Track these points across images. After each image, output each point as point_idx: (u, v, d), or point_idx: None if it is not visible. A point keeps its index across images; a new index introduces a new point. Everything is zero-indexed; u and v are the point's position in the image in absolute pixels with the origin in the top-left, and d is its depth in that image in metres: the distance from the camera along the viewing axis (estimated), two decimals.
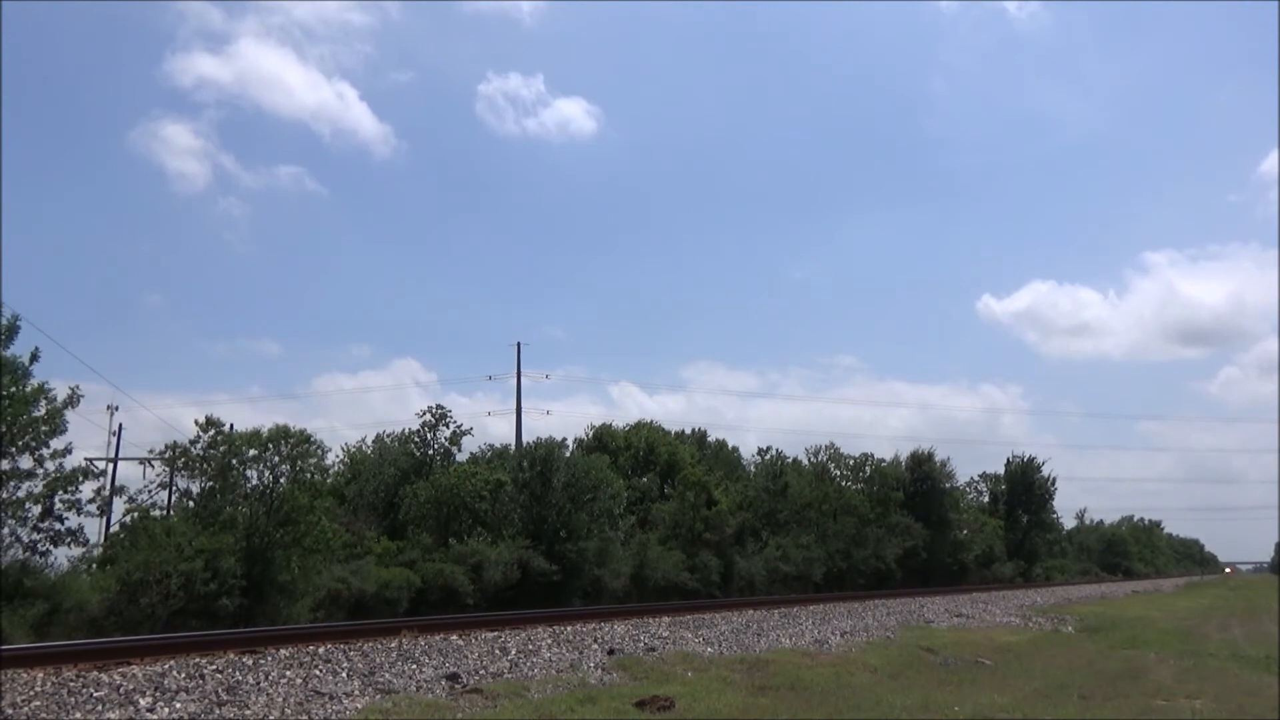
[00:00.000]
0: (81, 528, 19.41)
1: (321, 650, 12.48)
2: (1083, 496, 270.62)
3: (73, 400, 19.34)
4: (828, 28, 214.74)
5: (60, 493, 18.52)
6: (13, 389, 18.36)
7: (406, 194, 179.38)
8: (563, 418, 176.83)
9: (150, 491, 23.51)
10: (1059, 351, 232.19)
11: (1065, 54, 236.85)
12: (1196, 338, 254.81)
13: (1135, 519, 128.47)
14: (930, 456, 56.84)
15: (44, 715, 8.18)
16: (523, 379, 49.69)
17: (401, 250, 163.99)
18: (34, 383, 18.75)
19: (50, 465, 18.52)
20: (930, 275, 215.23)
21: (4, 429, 17.90)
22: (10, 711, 8.19)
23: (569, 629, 16.68)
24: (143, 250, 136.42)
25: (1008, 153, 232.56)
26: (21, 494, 18.16)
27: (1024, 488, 73.86)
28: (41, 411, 18.53)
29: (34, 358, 18.92)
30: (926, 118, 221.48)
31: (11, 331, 18.73)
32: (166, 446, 23.65)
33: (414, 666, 11.65)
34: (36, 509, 18.30)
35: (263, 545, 21.02)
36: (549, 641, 14.65)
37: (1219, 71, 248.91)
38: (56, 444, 18.81)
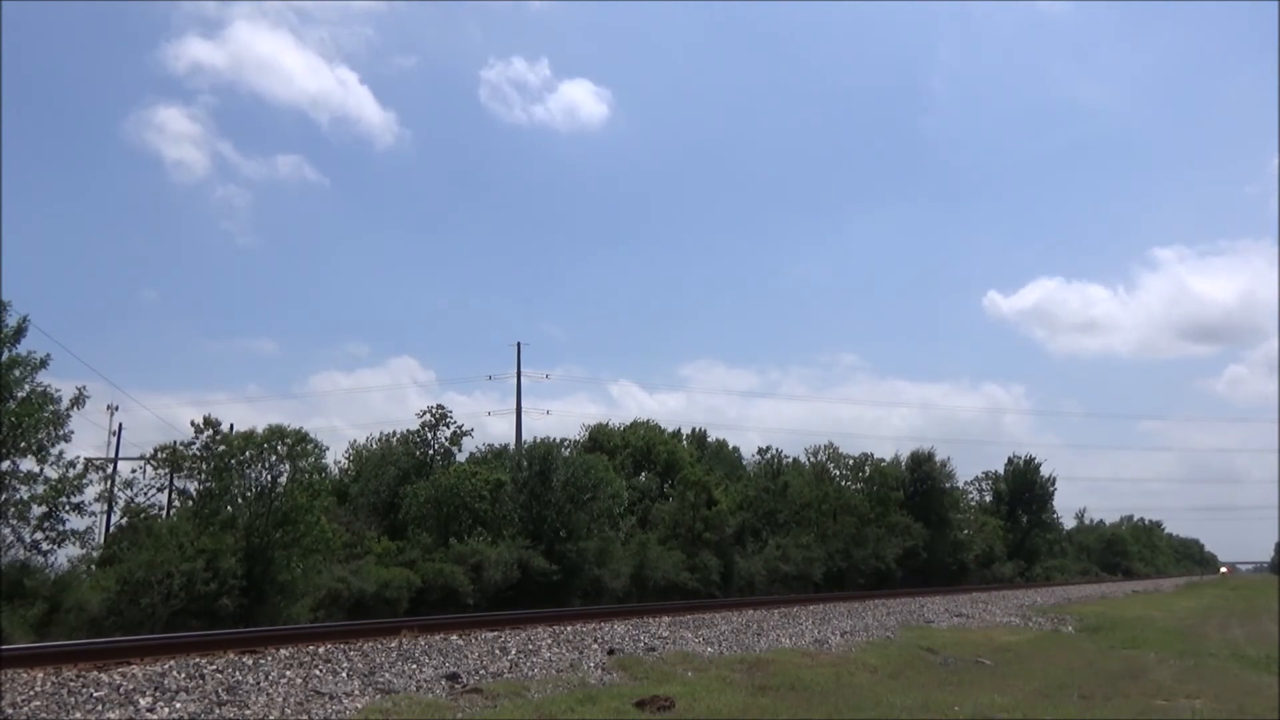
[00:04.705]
0: (91, 529, 19.49)
1: (321, 650, 12.47)
2: (1084, 496, 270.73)
3: (79, 401, 19.37)
4: (831, 21, 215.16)
5: (64, 496, 18.53)
6: (22, 391, 18.40)
7: (408, 186, 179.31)
8: (562, 417, 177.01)
9: (147, 493, 23.58)
10: (1066, 348, 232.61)
11: (1072, 48, 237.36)
12: (1206, 334, 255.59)
13: (1135, 519, 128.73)
14: (930, 456, 56.98)
15: (44, 715, 8.19)
16: (522, 378, 49.79)
17: (400, 245, 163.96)
18: (40, 386, 18.80)
19: (53, 472, 18.57)
20: (934, 272, 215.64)
21: (8, 432, 17.92)
22: (10, 711, 8.19)
23: (569, 629, 16.67)
24: (139, 244, 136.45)
25: (1014, 148, 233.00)
26: (25, 495, 18.19)
27: (1024, 487, 74.04)
28: (48, 412, 18.57)
29: (43, 363, 18.98)
30: (930, 113, 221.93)
31: (19, 333, 18.76)
32: (157, 449, 23.70)
33: (414, 666, 11.64)
34: (40, 510, 18.32)
35: (262, 545, 21.03)
36: (549, 641, 14.65)
37: (1231, 64, 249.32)
38: (63, 448, 18.93)
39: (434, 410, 35.37)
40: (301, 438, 22.91)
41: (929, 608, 27.73)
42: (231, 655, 11.70)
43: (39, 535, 18.37)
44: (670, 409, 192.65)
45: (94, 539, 20.02)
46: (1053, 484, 75.76)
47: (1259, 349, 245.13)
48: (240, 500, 22.10)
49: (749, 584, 38.03)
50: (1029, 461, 75.31)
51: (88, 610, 17.65)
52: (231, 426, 23.97)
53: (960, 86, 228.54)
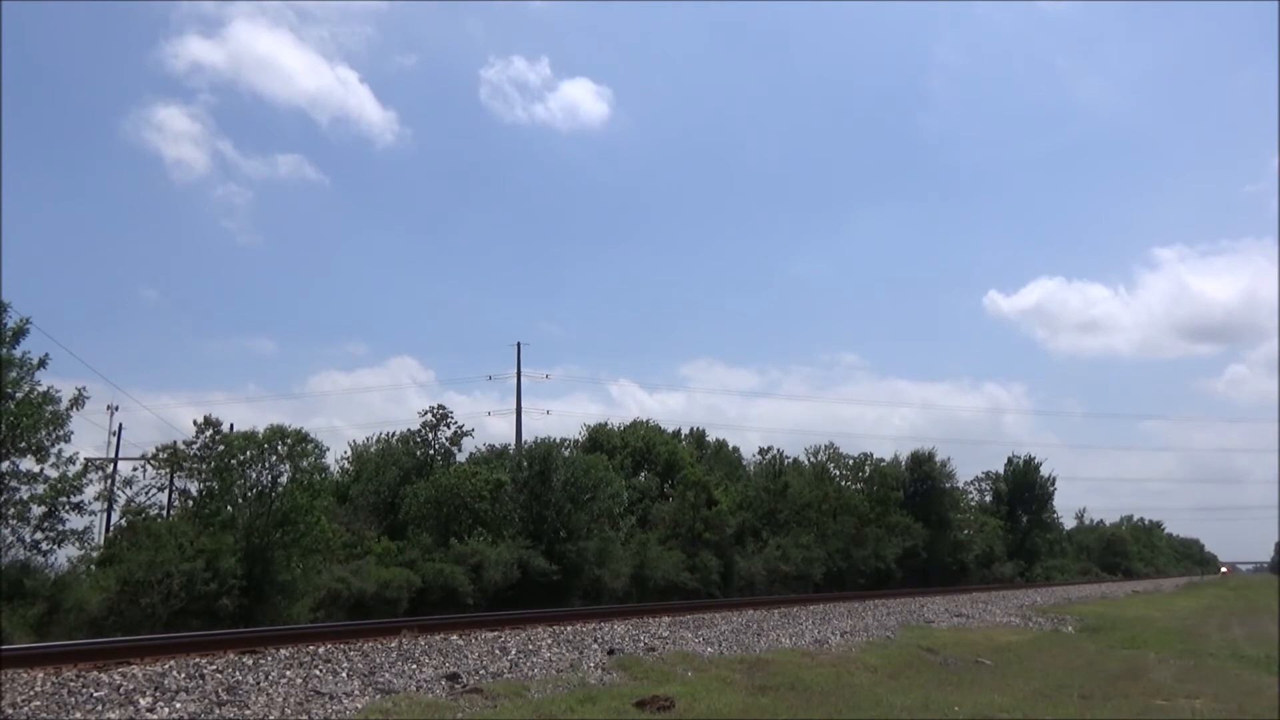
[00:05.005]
0: (89, 528, 19.46)
1: (321, 650, 12.48)
2: (1085, 496, 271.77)
3: (79, 402, 19.34)
4: (831, 20, 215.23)
5: (64, 497, 18.50)
6: (21, 391, 18.36)
7: (408, 185, 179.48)
8: (562, 417, 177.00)
9: (148, 493, 23.58)
10: (1067, 348, 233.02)
11: (1073, 48, 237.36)
12: (1207, 334, 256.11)
13: (1135, 519, 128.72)
14: (930, 456, 57.02)
15: (44, 715, 8.18)
16: (522, 378, 49.82)
17: (400, 244, 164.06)
18: (40, 386, 18.78)
19: (54, 472, 18.52)
20: (935, 272, 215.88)
21: (7, 432, 17.90)
22: (10, 711, 8.19)
23: (569, 629, 16.67)
24: (138, 244, 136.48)
25: (1014, 147, 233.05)
26: (25, 495, 18.16)
27: (1024, 487, 74.06)
28: (48, 413, 18.52)
29: (41, 363, 18.93)
30: (930, 113, 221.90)
31: (19, 333, 18.74)
32: (158, 449, 23.71)
33: (414, 666, 11.64)
34: (40, 510, 18.30)
35: (262, 545, 21.02)
36: (549, 641, 14.65)
37: (1232, 63, 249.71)
38: (64, 448, 18.88)
39: (435, 410, 35.46)
40: (302, 438, 22.90)
41: (929, 608, 27.73)
42: (231, 655, 11.70)
43: (39, 535, 18.35)
44: (670, 409, 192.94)
45: (92, 538, 19.99)
46: (1053, 484, 75.93)
47: (1260, 349, 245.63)
48: (240, 500, 22.10)
49: (749, 584, 38.01)
50: (1029, 461, 75.39)
51: (88, 610, 17.64)
52: (231, 426, 24.01)
53: (961, 85, 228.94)
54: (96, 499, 19.75)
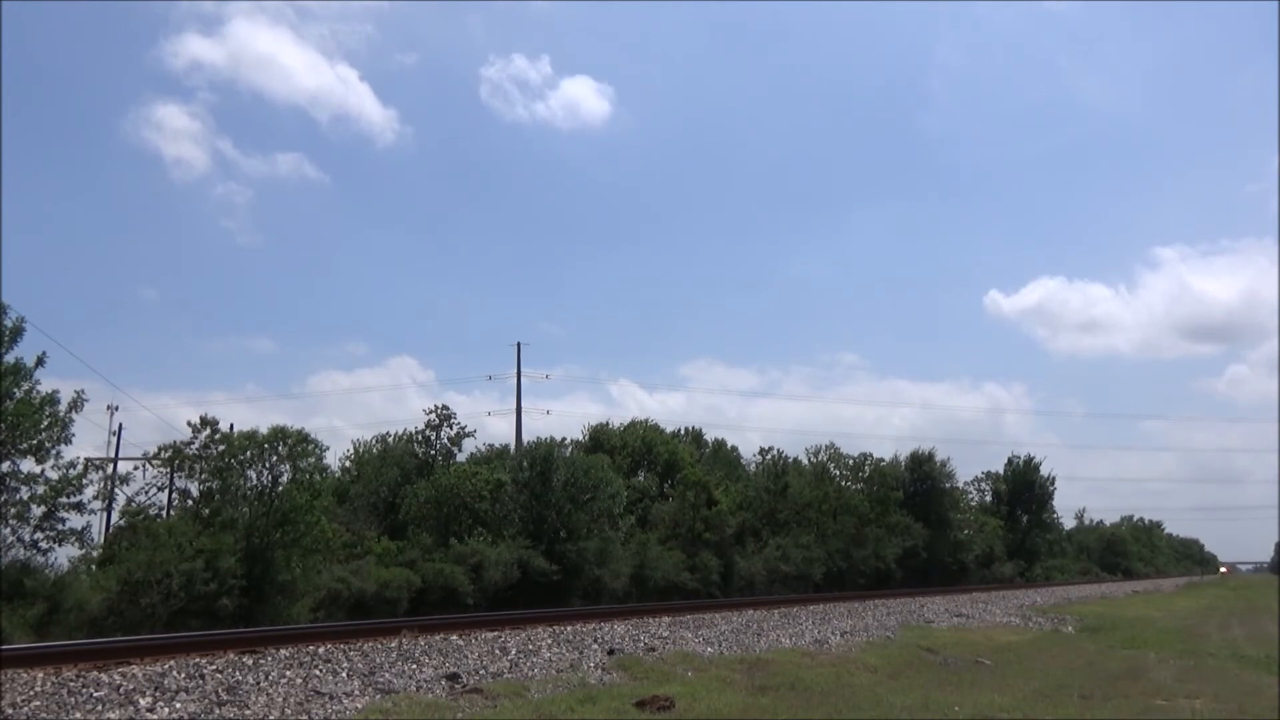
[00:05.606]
0: (88, 527, 19.45)
1: (321, 650, 12.48)
2: (1085, 496, 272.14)
3: (78, 404, 19.32)
4: (832, 20, 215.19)
5: (63, 496, 18.48)
6: (18, 390, 18.33)
7: (408, 184, 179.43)
8: (562, 417, 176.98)
9: (148, 493, 23.57)
10: (1068, 348, 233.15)
11: (1074, 47, 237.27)
12: (1208, 334, 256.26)
13: (1135, 519, 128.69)
14: (930, 456, 56.97)
15: (44, 715, 8.18)
16: (522, 378, 49.84)
17: (400, 243, 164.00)
18: (39, 387, 18.75)
19: (54, 473, 18.50)
20: (936, 272, 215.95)
21: (6, 434, 17.88)
22: (10, 711, 8.19)
23: (569, 629, 16.67)
24: (138, 243, 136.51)
25: (1015, 147, 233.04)
26: (25, 496, 18.15)
27: (1024, 487, 74.04)
28: (46, 421, 18.49)
29: (40, 362, 18.90)
30: (931, 112, 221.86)
31: (16, 334, 18.71)
32: (160, 448, 23.68)
33: (414, 666, 11.64)
34: (39, 510, 18.28)
35: (262, 545, 21.02)
36: (549, 641, 14.65)
37: (1233, 62, 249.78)
38: (62, 448, 18.84)
39: (439, 410, 35.51)
40: (303, 438, 22.89)
41: (929, 608, 27.72)
42: (231, 655, 11.70)
43: (39, 535, 18.34)
44: (670, 409, 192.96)
45: (91, 538, 20.00)
46: (1053, 484, 75.89)
47: (1260, 348, 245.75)
48: (241, 500, 22.08)
49: (749, 584, 38.01)
50: (1029, 461, 75.34)
51: (88, 610, 17.64)
52: (231, 426, 23.98)
53: (961, 85, 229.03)
54: (95, 498, 19.71)
